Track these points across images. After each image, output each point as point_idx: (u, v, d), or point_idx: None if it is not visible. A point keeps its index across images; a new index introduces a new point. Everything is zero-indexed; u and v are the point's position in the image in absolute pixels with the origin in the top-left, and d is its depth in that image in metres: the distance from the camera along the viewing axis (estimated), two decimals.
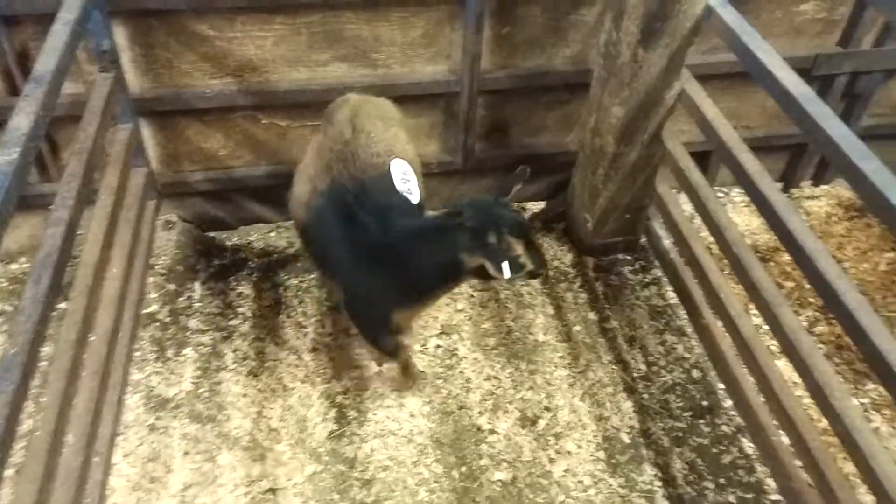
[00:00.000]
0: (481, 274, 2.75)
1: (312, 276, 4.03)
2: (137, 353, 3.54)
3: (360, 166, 2.93)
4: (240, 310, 3.83)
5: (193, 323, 3.74)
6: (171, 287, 3.88)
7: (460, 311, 3.91)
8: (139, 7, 3.30)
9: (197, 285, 3.93)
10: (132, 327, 3.45)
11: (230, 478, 3.14)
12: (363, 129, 3.02)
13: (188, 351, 3.62)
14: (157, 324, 3.70)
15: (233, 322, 3.77)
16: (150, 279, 3.85)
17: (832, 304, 2.46)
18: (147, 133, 3.74)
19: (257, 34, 3.47)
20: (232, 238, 4.27)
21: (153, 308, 3.75)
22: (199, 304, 3.84)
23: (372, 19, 3.52)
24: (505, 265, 2.58)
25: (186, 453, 3.22)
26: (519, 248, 2.65)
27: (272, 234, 4.31)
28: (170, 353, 3.60)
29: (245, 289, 3.94)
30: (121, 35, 3.40)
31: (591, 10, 3.72)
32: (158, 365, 3.54)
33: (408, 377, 3.50)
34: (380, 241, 2.83)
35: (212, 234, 4.27)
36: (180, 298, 3.85)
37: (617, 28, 3.14)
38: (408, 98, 3.85)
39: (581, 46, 3.84)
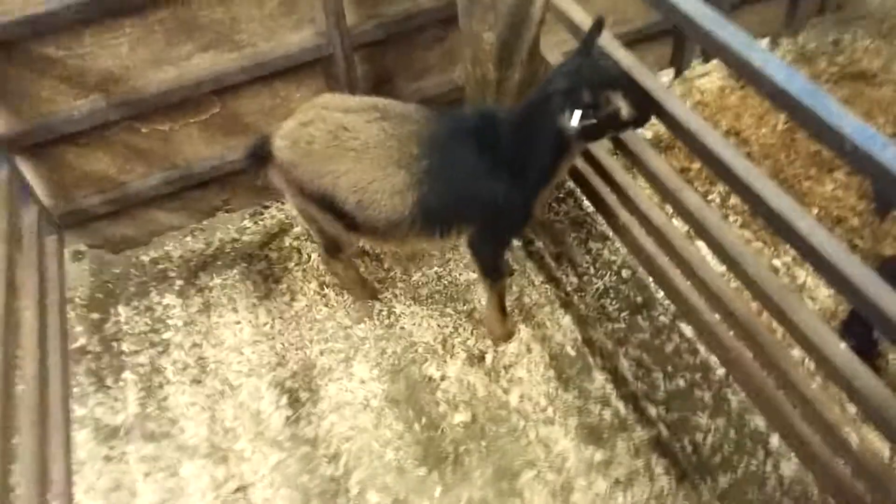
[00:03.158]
0: (592, 134, 2.79)
1: (235, 271, 3.98)
2: (76, 389, 3.49)
3: (421, 115, 3.01)
4: (170, 321, 3.78)
5: (126, 346, 3.69)
6: (95, 316, 3.81)
7: (387, 269, 3.91)
8: None
9: (121, 308, 3.85)
10: (62, 365, 3.38)
11: (197, 487, 3.16)
12: (376, 100, 3.06)
13: (127, 374, 3.57)
14: (90, 355, 3.64)
15: (166, 335, 3.72)
16: (72, 313, 3.78)
17: (722, 174, 2.52)
18: (27, 169, 3.59)
19: (110, 43, 3.32)
20: (149, 252, 4.17)
21: (81, 341, 3.69)
22: (127, 325, 3.77)
23: (224, 0, 3.40)
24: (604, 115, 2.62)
25: (148, 474, 3.22)
26: (618, 100, 2.64)
27: (188, 238, 4.22)
28: (109, 381, 3.56)
29: (170, 300, 3.87)
30: None
31: None
32: (100, 395, 3.51)
33: (506, 318, 3.52)
34: (501, 141, 2.90)
35: (128, 252, 4.18)
36: (107, 325, 3.78)
37: None
38: (284, 73, 3.77)
39: None
